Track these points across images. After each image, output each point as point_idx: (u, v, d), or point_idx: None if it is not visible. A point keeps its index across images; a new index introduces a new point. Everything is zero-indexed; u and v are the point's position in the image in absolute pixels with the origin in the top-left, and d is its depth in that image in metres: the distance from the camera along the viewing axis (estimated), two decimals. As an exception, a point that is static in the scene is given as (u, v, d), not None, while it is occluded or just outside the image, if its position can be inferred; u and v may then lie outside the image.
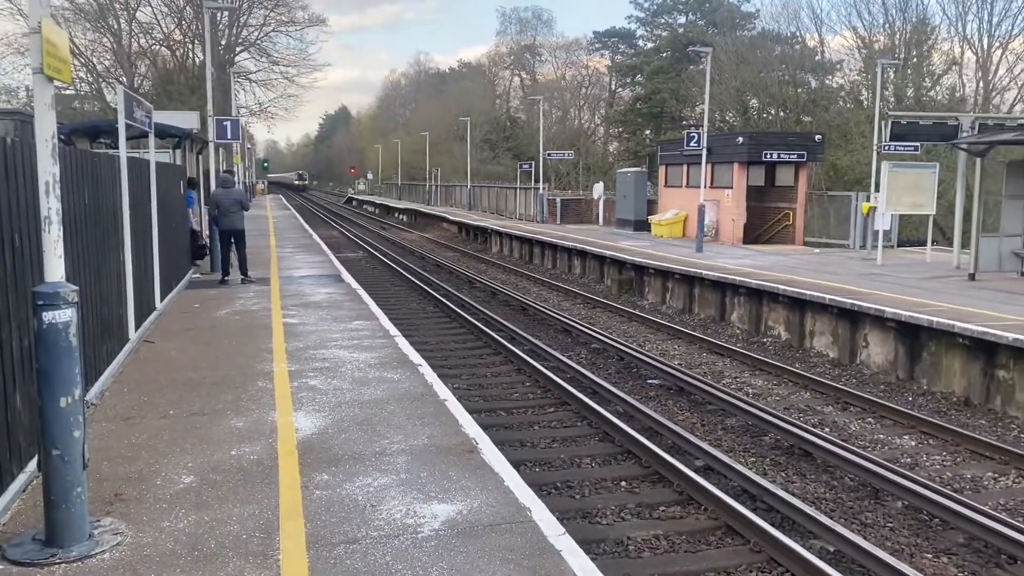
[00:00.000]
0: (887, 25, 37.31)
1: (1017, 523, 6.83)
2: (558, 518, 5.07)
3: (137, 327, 9.85)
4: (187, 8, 48.23)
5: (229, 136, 18.61)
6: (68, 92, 47.10)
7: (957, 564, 6.40)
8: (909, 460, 8.81)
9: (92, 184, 7.71)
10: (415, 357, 9.08)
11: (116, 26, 47.09)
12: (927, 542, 6.80)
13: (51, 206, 4.38)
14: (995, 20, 34.57)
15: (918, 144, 21.27)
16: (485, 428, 7.43)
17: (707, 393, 10.94)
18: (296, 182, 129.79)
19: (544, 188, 38.99)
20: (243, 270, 15.31)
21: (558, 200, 37.85)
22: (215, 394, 7.56)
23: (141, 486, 5.35)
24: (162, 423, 6.70)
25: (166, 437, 6.33)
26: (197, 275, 16.42)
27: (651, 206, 31.11)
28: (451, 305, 17.69)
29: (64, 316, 4.35)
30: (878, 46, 37.05)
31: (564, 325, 15.94)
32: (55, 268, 4.42)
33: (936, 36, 37.18)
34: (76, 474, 4.43)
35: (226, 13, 48.27)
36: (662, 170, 30.79)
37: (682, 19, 66.09)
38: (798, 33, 42.61)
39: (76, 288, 4.47)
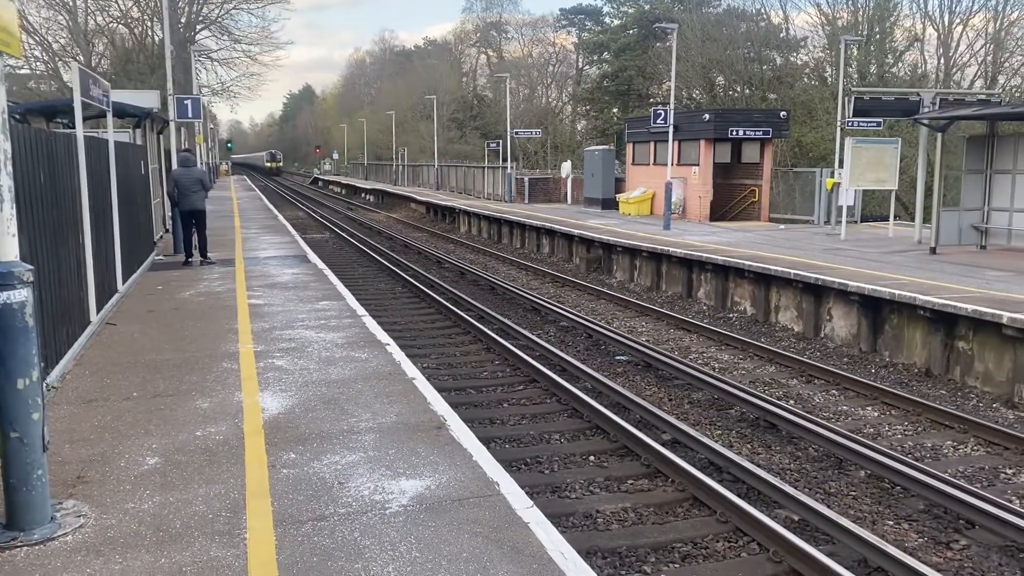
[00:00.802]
0: (850, 2, 37.59)
1: (975, 489, 7.00)
2: (527, 492, 5.10)
3: (99, 309, 9.68)
4: (145, -16, 47.14)
5: (190, 115, 18.29)
6: (23, 72, 45.92)
7: (917, 530, 6.55)
8: (872, 431, 8.97)
9: (48, 163, 7.54)
10: (383, 336, 9.04)
11: (72, 3, 45.89)
12: (888, 509, 6.94)
13: (3, 183, 4.26)
14: (955, -3, 35.00)
15: (880, 120, 21.51)
16: (454, 406, 7.43)
17: (674, 368, 11.04)
18: (268, 164, 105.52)
19: (512, 167, 38.88)
20: (203, 252, 15.10)
21: (526, 179, 37.78)
22: (179, 376, 7.47)
23: (104, 468, 5.28)
24: (125, 405, 6.61)
25: (129, 419, 6.25)
26: (160, 257, 16.18)
27: (619, 184, 31.18)
28: (419, 285, 17.63)
29: (19, 296, 4.26)
30: (841, 23, 37.31)
31: (533, 304, 15.96)
32: (8, 247, 4.32)
33: (898, 13, 37.57)
34: (36, 457, 4.35)
35: (186, -10, 47.27)
36: (629, 148, 30.84)
37: (648, -4, 65.91)
38: (763, 10, 42.88)
39: (31, 268, 4.37)
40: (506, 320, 14.05)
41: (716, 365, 11.77)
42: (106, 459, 5.44)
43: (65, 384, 7.24)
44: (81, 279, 8.94)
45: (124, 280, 12.01)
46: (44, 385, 6.67)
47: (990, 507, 6.49)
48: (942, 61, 35.79)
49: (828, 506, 6.79)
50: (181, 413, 6.37)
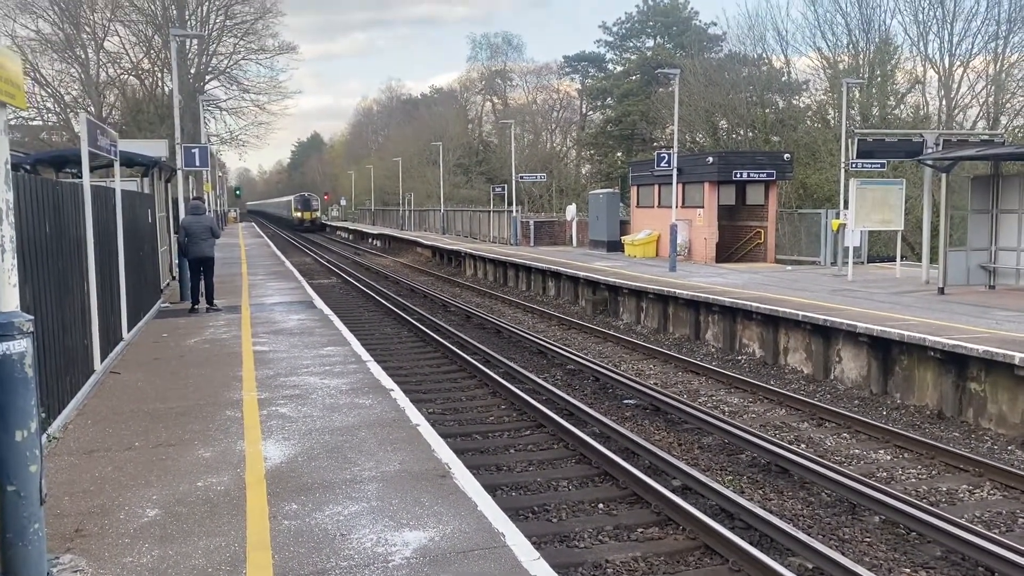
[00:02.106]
0: (850, 46, 37.98)
1: (993, 535, 6.83)
2: (534, 542, 4.99)
3: (103, 358, 9.65)
4: (155, 37, 48.06)
5: (198, 164, 18.46)
6: (35, 123, 46.67)
7: (935, 578, 6.38)
8: (885, 474, 8.81)
9: (53, 212, 7.57)
10: (387, 382, 8.96)
11: (84, 56, 46.77)
12: (905, 556, 6.77)
13: (4, 234, 4.26)
14: (955, 40, 35.33)
15: (884, 161, 21.58)
16: (460, 452, 7.35)
17: (683, 412, 10.90)
18: (298, 213, 75.06)
19: (517, 211, 39.07)
20: (209, 299, 15.11)
21: (531, 222, 37.93)
22: (182, 424, 7.40)
23: (103, 521, 5.19)
24: (127, 455, 6.53)
25: (130, 470, 6.17)
26: (167, 304, 16.19)
27: (624, 226, 31.26)
28: (425, 329, 17.57)
29: (19, 347, 4.21)
30: (842, 66, 37.65)
31: (539, 347, 15.87)
32: (9, 297, 4.29)
33: (899, 56, 37.91)
34: (33, 510, 4.27)
35: (195, 42, 48.16)
36: (634, 191, 30.97)
37: (650, 42, 66.91)
38: (764, 55, 43.21)
39: (31, 318, 4.34)
40: (512, 364, 13.95)
41: (726, 408, 11.62)
42: (105, 511, 5.35)
43: (67, 434, 7.17)
44: (85, 327, 8.93)
45: (130, 328, 12.00)
46: (45, 436, 6.62)
47: (1010, 554, 6.32)
48: (944, 103, 36.02)
49: (843, 553, 6.63)
50: (183, 463, 6.29)
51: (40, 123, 47.28)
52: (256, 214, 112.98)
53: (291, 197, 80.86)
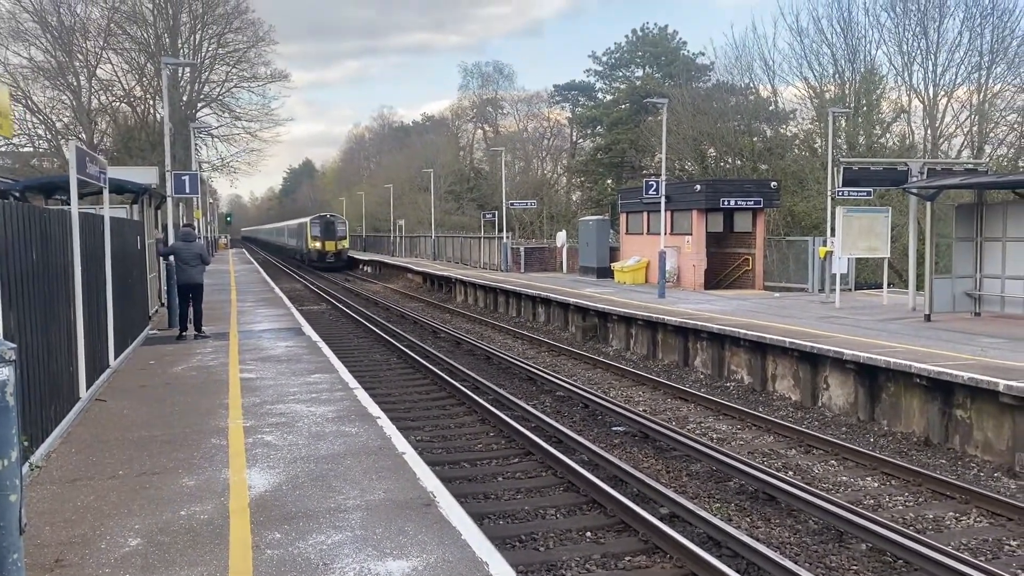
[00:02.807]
0: (836, 75, 38.46)
1: (980, 563, 6.83)
2: (520, 571, 4.98)
3: (88, 385, 9.59)
4: (148, 65, 48.27)
5: (188, 190, 18.49)
6: (26, 149, 46.66)
7: (922, 606, 6.37)
8: (872, 501, 8.81)
9: (40, 240, 7.57)
10: (374, 410, 8.94)
11: (76, 83, 46.89)
12: (892, 584, 6.76)
13: (-11, 262, 4.26)
14: (939, 71, 35.82)
15: (870, 189, 21.79)
16: (447, 481, 7.32)
17: (671, 439, 10.90)
18: (315, 244, 54.52)
19: (508, 237, 39.19)
20: (197, 326, 15.07)
21: (522, 249, 38.03)
22: (167, 452, 7.35)
23: (84, 550, 5.14)
24: (110, 484, 6.48)
25: (113, 499, 6.12)
26: (155, 331, 16.13)
27: (613, 253, 31.38)
28: (414, 356, 17.55)
29: (0, 375, 4.20)
30: (829, 95, 38.10)
31: (529, 373, 15.86)
32: (-8, 325, 4.29)
33: (884, 85, 38.38)
34: (12, 540, 4.23)
35: (188, 69, 48.39)
36: (623, 218, 31.14)
37: (639, 72, 67.61)
38: (752, 84, 43.67)
39: (14, 346, 4.33)
40: (501, 390, 13.94)
41: (714, 435, 11.62)
42: (87, 541, 5.30)
43: (50, 463, 7.12)
44: (71, 354, 8.89)
45: (117, 355, 11.95)
46: (28, 464, 6.58)
47: (995, 581, 6.32)
48: (929, 132, 36.44)
49: (829, 582, 6.62)
50: (166, 492, 6.25)
51: (31, 149, 47.29)
52: (252, 241, 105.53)
53: (305, 220, 56.84)
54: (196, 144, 43.50)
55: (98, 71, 48.22)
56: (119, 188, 16.15)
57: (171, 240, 18.48)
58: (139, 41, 48.16)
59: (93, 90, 48.33)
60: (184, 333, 15.13)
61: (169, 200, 19.27)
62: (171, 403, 9.49)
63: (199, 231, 32.87)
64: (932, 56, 35.79)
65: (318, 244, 54.00)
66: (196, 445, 7.58)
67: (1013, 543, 7.62)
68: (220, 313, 18.79)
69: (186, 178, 18.52)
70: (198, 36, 51.14)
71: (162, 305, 19.57)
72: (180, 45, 49.84)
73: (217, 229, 76.42)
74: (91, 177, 10.39)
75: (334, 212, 65.15)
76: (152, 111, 50.18)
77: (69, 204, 9.57)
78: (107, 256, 11.30)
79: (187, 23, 50.58)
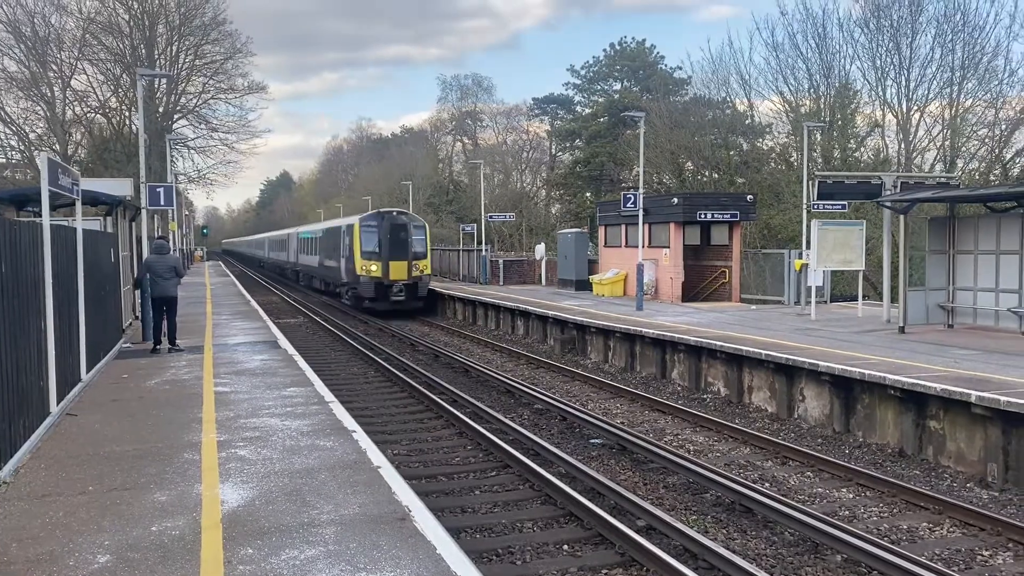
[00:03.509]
0: (811, 90, 38.88)
1: (952, 573, 6.88)
2: (495, 586, 4.93)
3: (59, 400, 9.45)
4: (124, 76, 47.89)
5: (163, 203, 18.34)
6: (-1, 161, 46.13)
7: (896, 617, 6.39)
8: (847, 513, 8.86)
9: (10, 251, 7.46)
10: (350, 423, 8.87)
11: (50, 94, 46.46)
12: (866, 595, 6.79)
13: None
14: (912, 86, 36.31)
15: (845, 203, 22.03)
16: (424, 495, 7.27)
17: (649, 452, 10.91)
18: (374, 267, 30.11)
19: (487, 249, 39.17)
20: (172, 339, 14.90)
21: (501, 261, 38.04)
22: (139, 468, 7.25)
23: (52, 567, 5.05)
24: (79, 500, 6.38)
25: (83, 515, 6.02)
26: (128, 344, 15.93)
27: (592, 266, 31.47)
28: (392, 369, 17.46)
29: (-34, 389, 4.13)
30: (804, 110, 38.51)
31: (507, 386, 15.84)
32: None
33: (858, 100, 38.86)
34: (-24, 558, 4.15)
35: (164, 80, 48.09)
36: (601, 230, 31.25)
37: (617, 85, 68.06)
38: (728, 98, 44.08)
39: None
40: (480, 403, 13.90)
41: (691, 447, 11.65)
42: (55, 558, 5.20)
43: (19, 479, 6.99)
44: (42, 368, 8.75)
45: (89, 369, 11.78)
46: (-6, 480, 6.45)
47: (968, 591, 6.36)
48: (902, 146, 36.91)
49: (805, 593, 6.64)
50: (137, 508, 6.16)
51: (3, 160, 46.76)
52: (235, 256, 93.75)
53: (353, 220, 32.53)
54: (172, 156, 43.23)
55: (73, 82, 47.85)
56: (93, 200, 15.96)
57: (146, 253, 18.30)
58: (115, 52, 47.80)
59: (68, 101, 47.92)
60: (158, 346, 14.96)
61: (144, 212, 19.08)
62: (144, 417, 9.36)
63: (174, 244, 32.51)
64: (905, 71, 36.32)
65: (374, 268, 30.36)
66: (169, 460, 7.48)
67: (986, 553, 7.69)
68: (195, 326, 18.61)
69: (161, 190, 18.36)
70: (175, 47, 50.87)
71: (136, 318, 19.34)
72: (156, 56, 49.54)
73: (193, 241, 75.84)
74: (63, 189, 10.27)
75: (402, 208, 37.33)
76: (128, 122, 49.77)
77: (41, 216, 9.44)
78: (79, 269, 11.16)
79: (164, 34, 50.30)
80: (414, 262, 30.58)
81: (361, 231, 30.77)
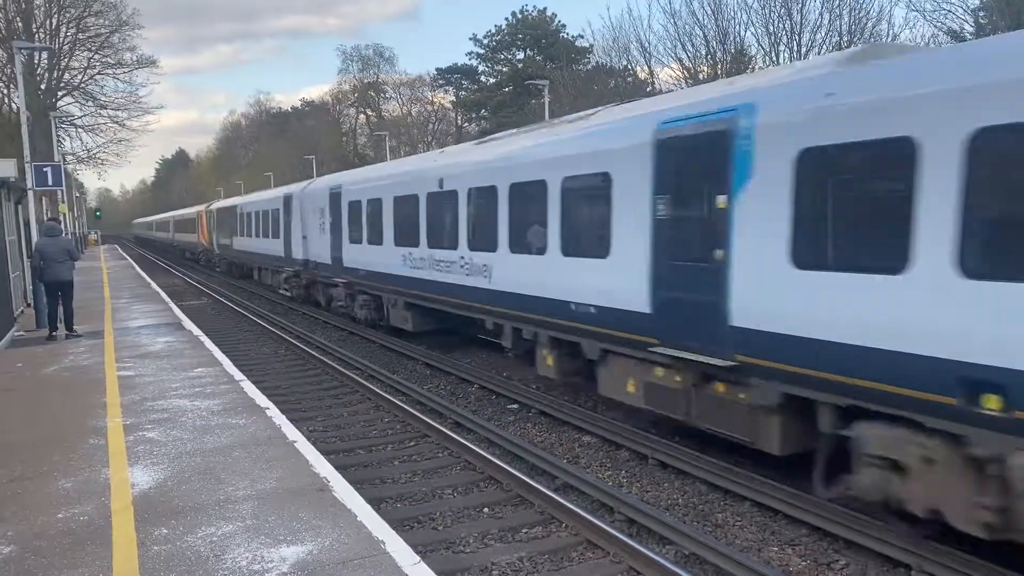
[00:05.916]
0: (709, 56, 39.82)
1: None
2: (420, 550, 4.99)
3: (-52, 392, 8.97)
4: (0, 52, 45.05)
5: (51, 183, 17.47)
6: None
7: (800, 554, 6.76)
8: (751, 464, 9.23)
9: None
10: (262, 401, 8.74)
11: (-80, 72, 43.36)
12: (774, 536, 7.14)
13: None
14: (803, 51, 37.58)
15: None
16: (342, 468, 7.24)
17: (565, 413, 11.11)
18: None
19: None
20: (68, 325, 14.29)
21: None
22: (41, 456, 6.97)
23: (-49, 564, 4.83)
24: (-23, 493, 6.10)
25: (-18, 508, 5.77)
26: (21, 332, 15.20)
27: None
28: (305, 347, 17.18)
29: None
30: (703, 76, 39.41)
31: (426, 361, 15.81)
32: None
33: (754, 65, 40.00)
34: None
35: (45, 55, 45.45)
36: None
37: (521, 55, 68.00)
38: (630, 66, 44.69)
39: None
40: (396, 377, 13.85)
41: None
42: (-47, 553, 4.98)
43: (-93, 475, 6.63)
44: (-74, 360, 8.28)
45: (-22, 359, 11.20)
46: None
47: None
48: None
49: (716, 538, 6.94)
50: (41, 496, 5.94)
51: None
52: (149, 243, 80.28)
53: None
54: (59, 135, 41.08)
55: (-57, 57, 44.66)
56: (-28, 182, 15.08)
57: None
58: (-12, 26, 44.84)
59: (-60, 79, 44.78)
60: (54, 333, 14.32)
61: (31, 194, 18.13)
62: (44, 405, 8.99)
63: (66, 227, 31.01)
64: (796, 37, 37.56)
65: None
66: (72, 447, 7.22)
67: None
68: (94, 311, 17.88)
69: (48, 170, 17.48)
70: (55, 20, 47.98)
71: (28, 305, 18.44)
72: (35, 30, 46.70)
73: (86, 224, 72.57)
74: (-61, 169, 9.66)
75: None
76: (8, 101, 46.91)
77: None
78: (-38, 254, 10.56)
79: (41, 6, 47.34)
80: None
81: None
